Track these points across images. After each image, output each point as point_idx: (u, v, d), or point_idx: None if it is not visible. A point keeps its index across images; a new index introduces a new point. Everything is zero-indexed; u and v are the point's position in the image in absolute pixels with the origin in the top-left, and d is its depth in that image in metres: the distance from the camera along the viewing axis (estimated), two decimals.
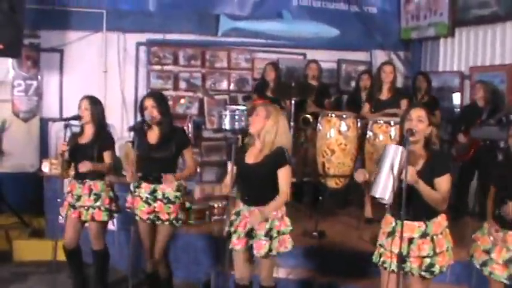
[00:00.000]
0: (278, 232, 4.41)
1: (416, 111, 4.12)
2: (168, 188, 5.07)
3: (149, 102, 5.04)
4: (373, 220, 6.40)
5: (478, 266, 4.42)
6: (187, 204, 5.32)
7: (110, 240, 6.42)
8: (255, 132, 4.43)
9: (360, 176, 4.15)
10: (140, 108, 5.18)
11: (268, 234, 4.38)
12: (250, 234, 4.43)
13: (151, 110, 5.02)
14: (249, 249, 4.47)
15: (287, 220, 4.51)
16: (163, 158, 5.05)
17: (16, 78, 8.38)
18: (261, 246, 4.38)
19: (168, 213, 5.08)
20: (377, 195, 3.96)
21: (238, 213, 4.54)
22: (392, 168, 3.87)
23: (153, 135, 5.11)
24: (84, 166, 5.26)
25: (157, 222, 5.13)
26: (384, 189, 3.91)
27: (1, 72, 8.03)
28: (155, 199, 5.08)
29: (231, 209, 4.67)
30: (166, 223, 5.10)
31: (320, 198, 6.81)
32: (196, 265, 6.15)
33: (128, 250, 5.41)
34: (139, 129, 5.12)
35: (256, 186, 4.41)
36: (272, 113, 4.41)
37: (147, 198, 5.10)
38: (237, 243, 4.46)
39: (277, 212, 4.42)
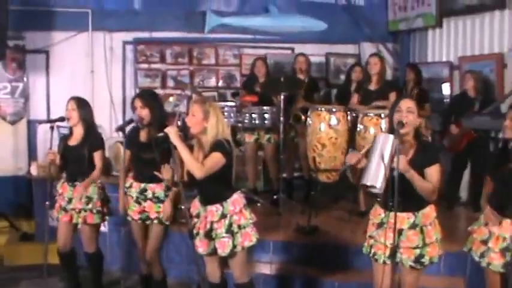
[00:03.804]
0: (239, 226, 4.35)
1: (405, 102, 4.09)
2: (157, 188, 5.03)
3: (138, 103, 4.99)
4: (366, 213, 6.37)
5: (477, 259, 4.37)
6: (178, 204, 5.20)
7: (101, 241, 6.36)
8: (196, 133, 4.32)
9: (352, 158, 4.09)
10: (131, 107, 5.14)
11: (229, 231, 4.32)
12: (209, 235, 4.37)
13: (140, 111, 4.96)
14: (213, 250, 4.40)
15: (246, 213, 4.42)
16: (152, 158, 4.93)
17: (1, 81, 8.28)
18: (224, 245, 4.33)
19: (157, 212, 5.04)
20: (368, 183, 3.91)
21: (198, 215, 4.47)
22: (382, 157, 3.84)
23: (143, 135, 5.06)
24: (79, 192, 5.31)
25: (147, 222, 5.10)
26: (374, 176, 3.87)
27: None
28: (145, 198, 5.05)
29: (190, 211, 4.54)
30: (155, 221, 5.06)
31: (312, 193, 6.76)
32: (189, 264, 6.10)
33: (120, 251, 5.36)
34: (133, 129, 5.10)
35: (206, 185, 4.31)
36: (209, 111, 4.29)
37: (137, 197, 5.07)
38: (199, 246, 4.41)
39: (234, 207, 4.35)
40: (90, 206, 5.36)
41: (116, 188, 5.47)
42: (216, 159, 4.21)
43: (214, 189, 4.33)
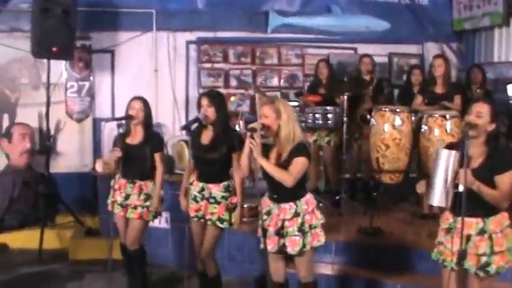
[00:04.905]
0: (310, 226, 4.36)
1: (477, 106, 3.97)
2: (214, 188, 5.02)
3: (204, 101, 5.01)
4: (428, 216, 6.29)
5: None
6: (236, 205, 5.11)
7: (163, 238, 6.47)
8: (274, 133, 4.38)
9: (422, 188, 4.09)
10: (197, 106, 5.16)
11: (301, 229, 4.34)
12: (280, 233, 4.38)
13: (206, 109, 4.97)
14: (282, 248, 4.40)
15: (318, 213, 4.44)
16: (214, 159, 4.99)
17: (69, 80, 8.51)
18: (294, 243, 4.34)
19: (212, 213, 5.01)
20: (435, 204, 3.94)
21: (268, 213, 4.46)
22: (447, 176, 3.81)
23: (206, 135, 5.07)
24: (154, 206, 5.42)
25: (201, 221, 5.09)
26: (441, 197, 3.86)
27: (55, 74, 8.07)
28: (202, 197, 5.04)
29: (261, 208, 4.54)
30: (209, 223, 5.04)
31: (374, 194, 6.71)
32: (250, 263, 6.13)
33: (181, 248, 5.39)
34: (195, 129, 5.12)
35: (281, 184, 4.30)
36: (280, 109, 4.34)
37: (195, 196, 5.08)
38: (269, 243, 4.40)
39: (308, 206, 4.37)
40: (148, 203, 5.41)
41: (178, 186, 5.53)
42: (303, 164, 4.28)
43: (289, 188, 4.31)
